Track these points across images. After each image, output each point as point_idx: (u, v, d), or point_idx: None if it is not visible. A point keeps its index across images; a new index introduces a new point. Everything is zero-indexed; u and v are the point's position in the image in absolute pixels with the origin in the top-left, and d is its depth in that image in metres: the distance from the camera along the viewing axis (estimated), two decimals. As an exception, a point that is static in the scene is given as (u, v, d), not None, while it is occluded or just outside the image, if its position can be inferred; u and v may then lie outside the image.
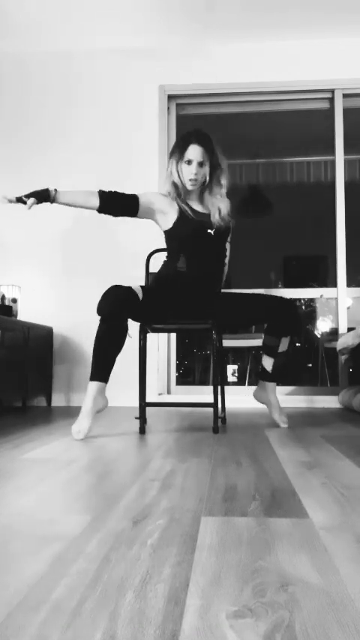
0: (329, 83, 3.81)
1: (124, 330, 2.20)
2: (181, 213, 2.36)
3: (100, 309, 2.15)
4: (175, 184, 2.35)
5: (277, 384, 2.50)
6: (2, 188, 3.89)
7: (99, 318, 2.18)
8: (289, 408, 3.42)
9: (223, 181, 2.37)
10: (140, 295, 2.19)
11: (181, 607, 0.66)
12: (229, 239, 2.49)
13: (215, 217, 2.35)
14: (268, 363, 2.40)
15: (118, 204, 2.33)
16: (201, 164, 2.31)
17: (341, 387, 3.71)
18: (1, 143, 3.93)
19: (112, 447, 1.88)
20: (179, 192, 2.37)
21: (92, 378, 2.17)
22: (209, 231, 2.35)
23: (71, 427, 2.15)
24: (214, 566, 0.79)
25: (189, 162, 2.30)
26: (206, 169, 2.32)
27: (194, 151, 2.29)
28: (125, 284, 2.44)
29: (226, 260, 2.50)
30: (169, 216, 2.37)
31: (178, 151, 2.32)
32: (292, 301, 2.33)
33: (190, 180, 2.31)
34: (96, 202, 2.30)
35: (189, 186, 2.33)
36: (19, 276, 3.78)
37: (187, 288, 2.35)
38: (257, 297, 2.41)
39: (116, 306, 2.14)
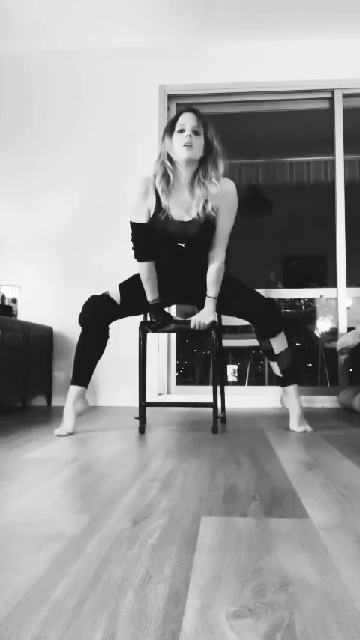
0: (329, 83, 3.81)
1: (105, 337, 2.30)
2: (157, 211, 2.15)
3: (81, 320, 2.26)
4: (165, 167, 2.12)
5: (299, 385, 2.38)
6: (3, 190, 3.89)
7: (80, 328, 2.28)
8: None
9: (220, 164, 2.13)
10: (118, 299, 2.26)
11: (181, 607, 0.66)
12: (224, 235, 2.23)
13: (199, 208, 2.12)
14: (274, 367, 2.34)
15: (150, 248, 2.23)
16: (196, 133, 2.07)
17: (341, 387, 3.71)
18: (3, 145, 3.92)
19: (112, 447, 1.88)
20: (168, 179, 2.13)
21: (73, 383, 2.28)
22: (179, 244, 2.18)
23: (55, 430, 2.26)
24: (214, 566, 0.79)
25: (181, 130, 2.07)
26: (202, 141, 2.09)
27: (187, 118, 2.08)
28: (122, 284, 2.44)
29: (218, 261, 2.25)
30: (150, 208, 2.18)
31: (168, 125, 2.14)
32: (272, 301, 2.24)
33: (185, 145, 2.04)
34: (151, 266, 2.24)
35: (183, 155, 2.06)
36: (19, 276, 3.78)
37: (165, 290, 2.32)
38: (242, 292, 2.27)
39: (96, 317, 2.23)
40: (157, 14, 3.52)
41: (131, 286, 2.30)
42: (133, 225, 2.21)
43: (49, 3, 3.41)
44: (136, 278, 2.32)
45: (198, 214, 2.14)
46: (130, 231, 2.24)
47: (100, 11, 3.49)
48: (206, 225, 2.16)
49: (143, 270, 2.24)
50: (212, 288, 2.26)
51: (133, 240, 2.24)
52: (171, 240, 2.18)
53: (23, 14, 3.52)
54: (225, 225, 2.21)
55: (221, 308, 2.32)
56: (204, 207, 2.13)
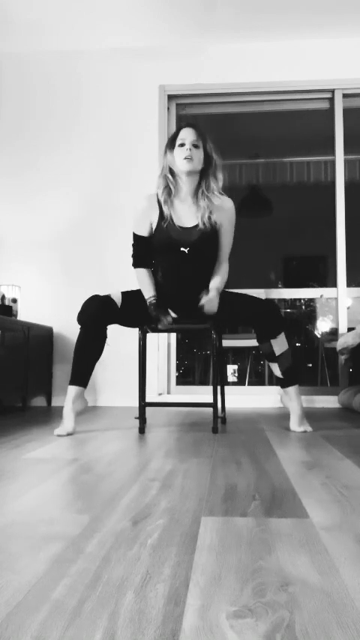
0: (329, 83, 3.81)
1: (103, 338, 2.31)
2: (160, 221, 2.26)
3: (80, 319, 2.27)
4: (167, 180, 2.26)
5: (299, 385, 2.38)
6: (4, 190, 3.89)
7: (79, 326, 2.30)
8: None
9: (220, 175, 2.28)
10: (119, 303, 2.27)
11: (181, 607, 0.66)
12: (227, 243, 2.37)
13: (204, 219, 2.23)
14: (275, 369, 2.34)
15: (147, 257, 2.35)
16: (195, 146, 2.21)
17: (341, 387, 3.71)
18: (3, 145, 3.92)
19: (112, 447, 1.88)
20: (170, 191, 2.27)
21: (71, 383, 2.29)
22: (182, 249, 2.24)
23: (54, 430, 2.28)
24: (214, 566, 0.79)
25: (182, 144, 2.21)
26: (201, 154, 2.22)
27: (186, 133, 2.23)
28: (123, 285, 2.46)
29: (221, 272, 2.35)
30: (153, 222, 2.30)
31: (169, 140, 2.28)
32: (271, 302, 2.27)
33: (186, 158, 2.18)
34: (147, 272, 2.35)
35: (185, 167, 2.20)
36: (19, 276, 3.78)
37: (166, 299, 2.35)
38: (239, 299, 2.30)
39: (95, 316, 2.24)
40: (157, 14, 3.52)
41: (134, 297, 2.33)
42: (135, 236, 2.36)
43: (49, 3, 3.41)
44: (139, 292, 2.37)
45: (203, 223, 2.25)
46: (132, 241, 2.38)
47: (100, 11, 3.49)
48: (209, 232, 2.27)
49: (140, 275, 2.36)
50: (215, 283, 2.31)
51: (133, 248, 2.38)
52: (174, 246, 2.26)
53: (23, 14, 3.52)
54: (227, 242, 2.38)
55: (222, 317, 2.32)
56: (209, 217, 2.25)
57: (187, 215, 2.28)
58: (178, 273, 2.29)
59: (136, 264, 2.36)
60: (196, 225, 2.26)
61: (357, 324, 3.49)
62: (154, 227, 2.30)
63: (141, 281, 2.35)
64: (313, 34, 3.75)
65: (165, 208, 2.25)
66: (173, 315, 2.36)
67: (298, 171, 4.23)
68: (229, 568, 0.78)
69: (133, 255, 2.37)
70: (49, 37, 3.77)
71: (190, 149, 2.20)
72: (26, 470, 1.48)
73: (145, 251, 2.34)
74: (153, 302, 2.29)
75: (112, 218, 3.78)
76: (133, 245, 2.37)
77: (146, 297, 2.31)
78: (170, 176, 2.27)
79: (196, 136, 2.23)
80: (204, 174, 2.27)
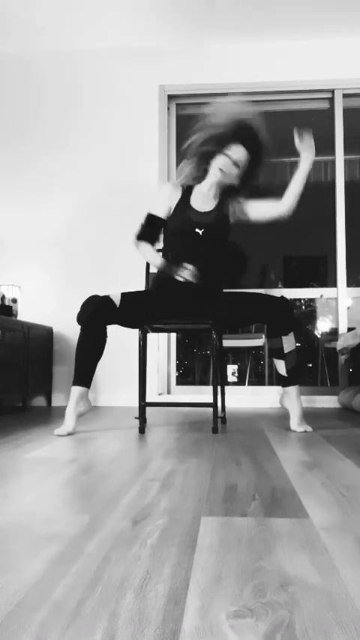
0: (329, 83, 3.81)
1: (104, 337, 2.32)
2: (178, 205, 2.39)
3: (79, 319, 2.28)
4: (199, 168, 2.38)
5: (300, 385, 2.40)
6: (4, 189, 3.89)
7: (79, 327, 2.27)
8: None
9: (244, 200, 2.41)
10: (118, 303, 2.28)
11: (181, 607, 0.66)
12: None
13: (223, 206, 2.36)
14: (280, 366, 2.33)
15: (154, 238, 2.42)
16: (236, 165, 2.33)
17: (341, 387, 3.71)
18: (3, 144, 3.92)
19: (112, 447, 1.88)
20: (199, 178, 2.41)
21: (74, 383, 2.29)
22: (197, 230, 2.34)
23: (55, 430, 2.29)
24: (214, 566, 0.79)
25: (227, 155, 2.32)
26: (236, 174, 2.35)
27: (241, 153, 2.33)
28: (123, 285, 2.46)
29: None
30: (173, 205, 2.41)
31: (225, 138, 2.32)
32: (284, 299, 2.27)
33: (220, 169, 2.31)
34: (148, 245, 2.41)
35: (214, 177, 2.34)
36: (19, 276, 3.79)
37: (172, 293, 2.35)
38: (250, 297, 2.32)
39: (93, 315, 2.25)
40: (157, 14, 3.52)
41: (133, 298, 2.32)
42: (149, 215, 2.40)
43: (49, 3, 3.41)
44: (139, 293, 2.36)
45: (216, 209, 2.38)
46: (143, 221, 2.41)
47: (100, 11, 3.49)
48: (223, 217, 2.39)
49: (143, 246, 2.40)
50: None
51: (141, 226, 2.41)
52: (189, 228, 2.34)
53: (23, 14, 3.52)
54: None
55: (235, 316, 2.33)
56: (222, 205, 2.39)
57: (204, 200, 2.40)
58: (192, 256, 2.32)
59: (140, 238, 2.40)
60: (212, 210, 2.38)
61: (357, 324, 3.49)
62: (172, 210, 2.39)
63: (145, 250, 2.40)
64: (313, 34, 3.75)
65: (185, 191, 2.40)
66: (190, 266, 2.29)
67: (298, 171, 4.22)
68: (229, 568, 0.78)
69: (140, 232, 2.40)
70: (49, 37, 3.77)
71: (227, 165, 2.30)
72: (26, 470, 1.48)
73: (152, 231, 2.39)
74: (164, 263, 2.33)
75: (112, 218, 3.79)
76: (142, 224, 2.41)
77: (156, 262, 2.35)
78: (195, 171, 2.40)
79: (245, 159, 2.33)
80: (231, 187, 2.39)
